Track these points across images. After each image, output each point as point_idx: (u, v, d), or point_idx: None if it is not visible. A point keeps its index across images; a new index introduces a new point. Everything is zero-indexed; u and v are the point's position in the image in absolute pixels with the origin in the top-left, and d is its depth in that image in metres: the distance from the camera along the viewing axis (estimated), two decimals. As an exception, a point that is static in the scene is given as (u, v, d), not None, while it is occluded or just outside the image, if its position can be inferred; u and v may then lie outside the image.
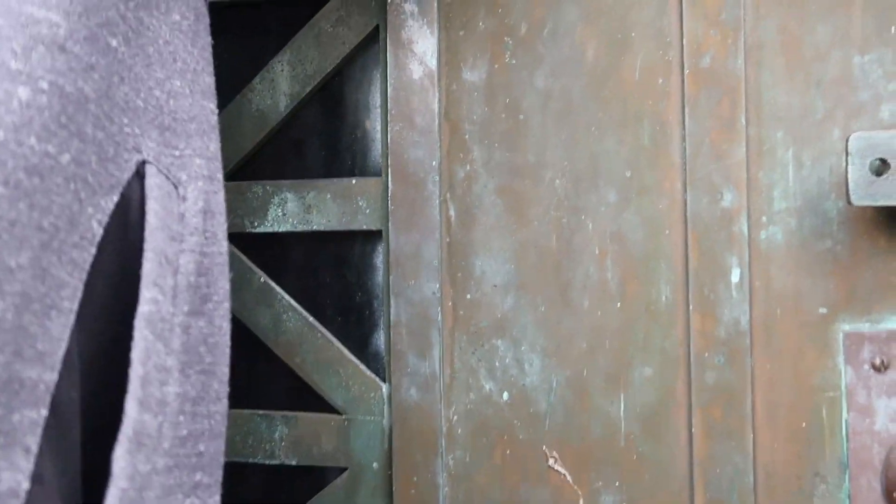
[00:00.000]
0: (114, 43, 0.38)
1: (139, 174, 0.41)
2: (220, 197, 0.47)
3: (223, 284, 0.46)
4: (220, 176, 0.47)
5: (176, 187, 0.43)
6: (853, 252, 0.78)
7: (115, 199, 0.39)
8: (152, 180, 0.41)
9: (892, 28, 0.77)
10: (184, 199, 0.43)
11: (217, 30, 0.99)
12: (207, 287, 0.44)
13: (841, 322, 0.78)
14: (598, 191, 0.84)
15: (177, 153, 0.44)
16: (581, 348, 0.84)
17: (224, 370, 0.45)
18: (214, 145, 0.47)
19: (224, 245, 0.46)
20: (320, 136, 0.96)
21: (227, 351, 0.46)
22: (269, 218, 0.93)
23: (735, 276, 0.79)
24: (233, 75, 0.97)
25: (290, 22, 0.95)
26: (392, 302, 0.87)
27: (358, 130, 0.94)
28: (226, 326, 0.46)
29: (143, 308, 0.39)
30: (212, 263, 0.44)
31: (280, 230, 0.93)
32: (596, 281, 0.83)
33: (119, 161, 0.39)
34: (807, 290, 0.78)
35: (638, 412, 0.82)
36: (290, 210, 0.92)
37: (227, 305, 0.46)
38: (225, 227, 0.47)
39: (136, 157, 0.40)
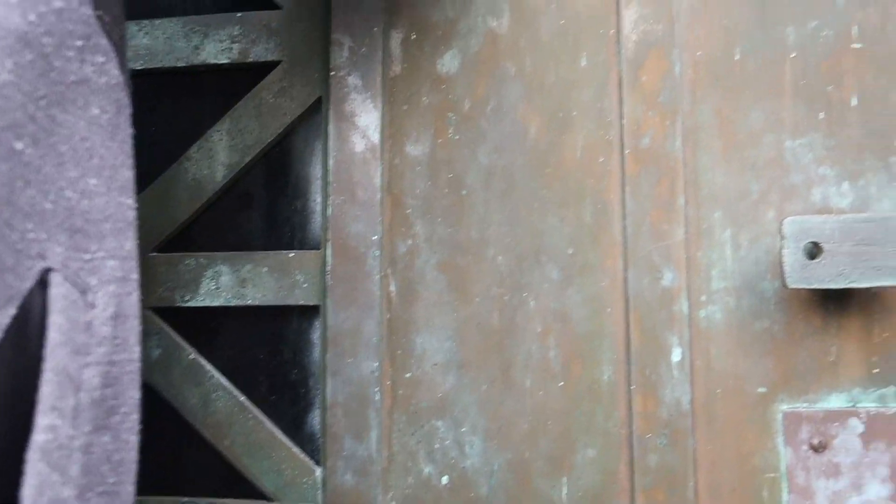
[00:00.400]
0: (19, 146, 0.36)
1: (42, 283, 0.37)
2: (134, 298, 0.44)
3: (133, 394, 0.42)
4: (135, 276, 0.44)
5: (84, 294, 0.40)
6: (790, 332, 0.78)
7: (13, 312, 0.35)
8: (57, 289, 0.38)
9: (821, 114, 0.79)
10: (92, 305, 0.40)
11: (155, 96, 0.97)
12: (115, 398, 0.41)
13: (780, 402, 0.78)
14: (541, 268, 0.83)
15: (87, 257, 0.40)
16: (523, 429, 0.82)
17: (129, 489, 0.41)
18: (130, 244, 0.44)
19: (136, 351, 0.43)
20: (259, 208, 0.93)
21: (134, 467, 0.42)
22: (202, 291, 0.89)
23: (676, 356, 0.79)
24: (170, 143, 0.94)
25: (230, 90, 0.94)
26: (329, 381, 0.84)
27: (298, 202, 0.92)
28: (133, 440, 0.42)
29: (38, 437, 0.35)
30: (121, 372, 0.41)
31: (213, 304, 0.89)
32: (538, 360, 0.82)
33: (20, 270, 0.36)
34: (746, 369, 0.79)
35: (581, 496, 0.80)
36: (224, 283, 0.89)
37: (135, 417, 0.42)
38: (138, 329, 0.44)
39: (40, 265, 0.37)
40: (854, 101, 0.79)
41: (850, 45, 0.79)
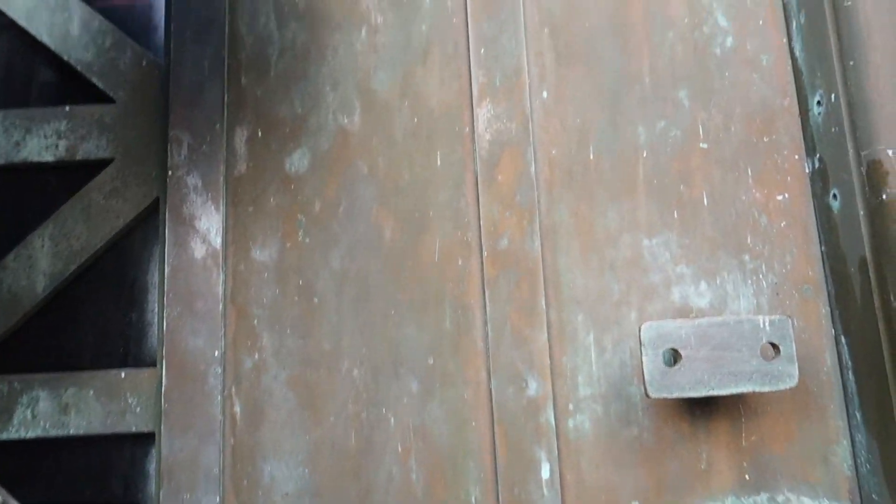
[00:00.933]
0: None
1: None
2: None
3: None
4: None
5: None
6: (659, 439, 0.75)
7: None
8: None
9: (674, 213, 0.79)
10: None
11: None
12: None
13: (654, 514, 0.74)
14: (400, 380, 0.77)
15: None
16: (385, 563, 0.74)
17: None
18: None
19: None
20: (88, 321, 0.83)
21: None
22: (15, 421, 0.77)
23: (545, 472, 0.73)
24: (-17, 249, 0.84)
25: (57, 190, 0.84)
26: (163, 521, 0.74)
27: (133, 314, 0.83)
28: None
29: None
30: None
31: (28, 436, 0.77)
32: (399, 483, 0.75)
33: None
34: (618, 482, 0.74)
35: None
36: (43, 411, 0.78)
37: None
38: None
39: None
40: (705, 200, 0.78)
41: (698, 145, 0.79)
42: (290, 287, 0.79)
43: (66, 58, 0.86)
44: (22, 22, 0.87)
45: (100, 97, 0.86)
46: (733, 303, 0.76)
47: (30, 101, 0.88)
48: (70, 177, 0.85)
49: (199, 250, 0.79)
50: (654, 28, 0.82)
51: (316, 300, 0.79)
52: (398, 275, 0.79)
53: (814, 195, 0.78)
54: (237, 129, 0.83)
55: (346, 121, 0.82)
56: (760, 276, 0.77)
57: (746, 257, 0.77)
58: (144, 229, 0.84)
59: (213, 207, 0.80)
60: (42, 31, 0.86)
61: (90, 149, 0.84)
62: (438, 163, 0.81)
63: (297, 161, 0.82)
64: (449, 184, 0.80)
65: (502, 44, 0.81)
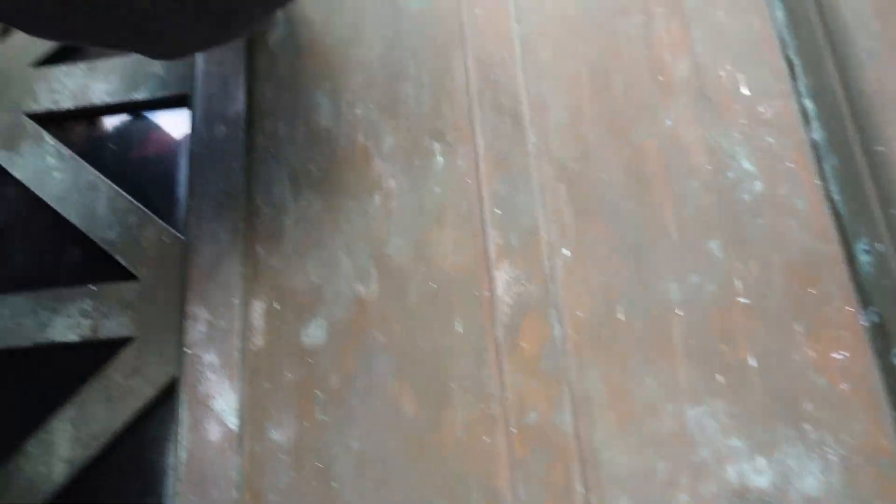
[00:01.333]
0: None
1: None
2: None
3: None
4: None
5: None
6: None
7: None
8: None
9: (717, 375, 0.71)
10: None
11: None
12: None
13: None
14: (424, 576, 0.70)
15: None
16: None
17: None
18: None
19: None
20: (104, 508, 0.80)
21: None
22: None
23: None
24: (6, 434, 0.83)
25: (78, 368, 0.84)
26: None
27: (150, 499, 0.80)
28: None
29: None
30: None
31: None
32: None
33: None
34: None
35: None
36: None
37: None
38: None
39: None
40: (752, 361, 0.71)
41: (737, 300, 0.73)
42: (308, 470, 0.74)
43: (91, 237, 0.87)
44: (54, 204, 0.90)
45: (123, 274, 0.86)
46: (798, 481, 0.67)
47: (59, 280, 0.89)
48: (89, 355, 0.84)
49: (214, 432, 0.76)
50: (675, 177, 0.78)
51: (334, 484, 0.74)
52: (420, 454, 0.73)
53: (876, 353, 0.69)
54: (254, 302, 0.81)
55: (361, 289, 0.80)
56: (826, 447, 0.68)
57: (807, 426, 0.69)
58: (162, 409, 0.82)
59: (229, 385, 0.78)
60: (71, 212, 0.89)
61: (112, 327, 0.84)
62: (458, 329, 0.77)
63: (314, 333, 0.79)
64: (469, 353, 0.76)
65: (517, 202, 0.79)
